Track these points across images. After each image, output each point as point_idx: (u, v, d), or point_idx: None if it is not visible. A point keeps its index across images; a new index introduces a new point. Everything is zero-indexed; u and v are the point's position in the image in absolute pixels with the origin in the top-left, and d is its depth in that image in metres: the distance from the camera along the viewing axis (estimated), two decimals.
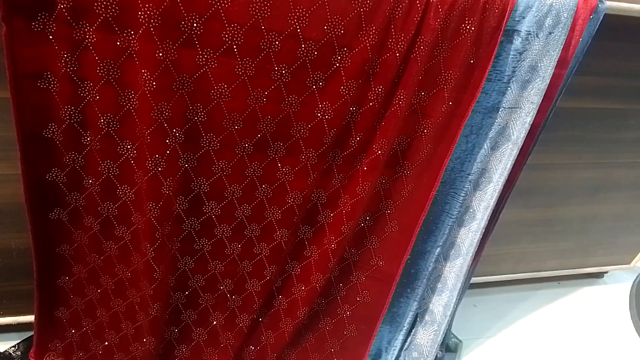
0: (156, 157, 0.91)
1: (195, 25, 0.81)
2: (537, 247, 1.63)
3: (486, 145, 1.06)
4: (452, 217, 1.14)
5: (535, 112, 1.02)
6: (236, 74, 0.87)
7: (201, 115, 0.90)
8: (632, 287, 1.77)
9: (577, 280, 1.90)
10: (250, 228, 1.07)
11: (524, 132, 1.04)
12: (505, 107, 1.02)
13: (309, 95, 0.92)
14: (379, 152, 0.99)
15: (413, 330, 1.34)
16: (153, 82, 0.83)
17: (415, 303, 1.27)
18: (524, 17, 0.93)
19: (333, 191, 1.06)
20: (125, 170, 0.95)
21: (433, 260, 1.20)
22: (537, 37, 0.95)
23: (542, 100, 1.01)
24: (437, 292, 1.29)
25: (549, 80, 0.99)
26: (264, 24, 0.83)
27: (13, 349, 1.22)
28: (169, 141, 0.90)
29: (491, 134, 1.05)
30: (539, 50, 0.96)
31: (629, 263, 1.83)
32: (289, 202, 1.04)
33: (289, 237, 1.09)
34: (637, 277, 1.77)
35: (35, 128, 0.88)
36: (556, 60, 0.97)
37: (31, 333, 1.17)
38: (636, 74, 1.25)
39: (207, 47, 0.83)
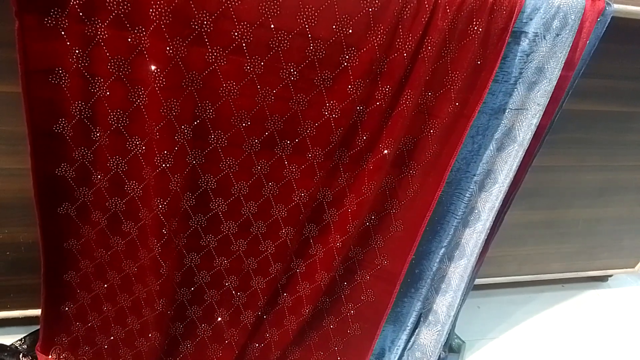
0: (164, 154, 0.92)
1: (205, 23, 0.82)
2: (541, 249, 1.63)
3: (492, 147, 1.07)
4: (457, 217, 1.14)
5: (542, 114, 1.03)
6: (245, 72, 0.88)
7: (210, 112, 0.91)
8: None
9: (581, 284, 1.90)
10: (256, 225, 1.07)
11: (529, 133, 1.05)
12: (511, 109, 1.03)
13: (317, 94, 0.92)
14: (385, 151, 1.00)
15: (416, 330, 1.34)
16: (163, 79, 0.84)
17: (419, 303, 1.27)
18: (531, 19, 0.93)
19: (339, 190, 1.07)
20: (134, 166, 0.96)
21: (437, 260, 1.21)
22: (545, 38, 0.95)
23: (549, 102, 1.02)
24: (441, 292, 1.29)
25: (555, 82, 0.99)
26: (273, 22, 0.83)
27: (19, 342, 1.23)
28: (178, 138, 0.91)
29: (497, 135, 1.05)
30: (546, 52, 0.96)
31: (633, 267, 1.83)
32: (295, 200, 1.04)
33: (295, 235, 1.09)
34: None
35: (45, 123, 0.89)
36: (563, 62, 0.98)
37: (38, 327, 1.17)
38: None
39: (217, 45, 0.84)
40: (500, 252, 1.56)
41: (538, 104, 1.02)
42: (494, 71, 0.96)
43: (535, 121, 1.03)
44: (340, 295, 1.23)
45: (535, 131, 1.05)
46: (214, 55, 0.85)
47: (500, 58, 0.94)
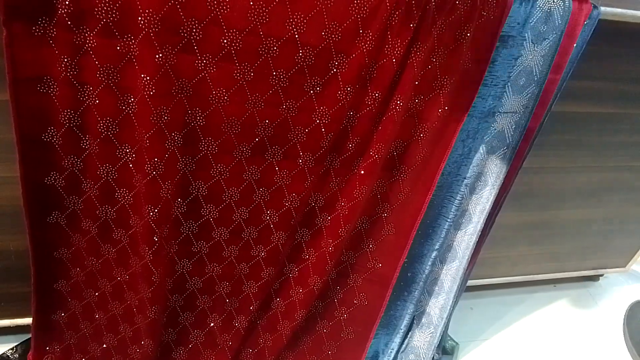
0: (155, 161, 0.91)
1: (194, 30, 0.82)
2: (532, 250, 1.64)
3: (482, 150, 1.07)
4: (449, 220, 1.15)
5: (531, 117, 1.03)
6: (235, 79, 0.88)
7: (200, 119, 0.91)
8: (624, 316, 1.77)
9: (573, 284, 1.91)
10: (247, 231, 1.07)
11: (519, 136, 1.05)
12: (501, 112, 1.03)
13: (307, 100, 0.92)
14: (376, 156, 1.00)
15: (410, 333, 1.35)
16: (152, 86, 0.84)
17: (412, 306, 1.28)
18: (519, 23, 0.94)
19: (330, 194, 1.07)
20: (124, 173, 0.96)
21: (430, 263, 1.21)
22: (533, 42, 0.96)
23: (537, 105, 1.03)
24: (434, 294, 1.30)
25: (544, 85, 1.00)
26: (262, 29, 0.83)
27: (11, 351, 1.22)
28: (168, 145, 0.91)
29: (487, 138, 1.06)
30: (534, 55, 0.97)
31: (624, 266, 1.85)
32: (287, 206, 1.04)
33: (287, 240, 1.09)
34: (629, 306, 1.78)
35: (34, 131, 0.88)
36: (551, 65, 0.98)
37: (29, 335, 1.17)
38: (629, 78, 1.27)
39: (206, 52, 0.84)
40: (492, 254, 1.56)
41: (527, 107, 1.02)
42: (483, 75, 0.96)
43: (524, 124, 1.04)
44: (333, 299, 1.23)
45: (525, 134, 1.06)
46: (204, 62, 0.85)
47: (489, 62, 0.95)
